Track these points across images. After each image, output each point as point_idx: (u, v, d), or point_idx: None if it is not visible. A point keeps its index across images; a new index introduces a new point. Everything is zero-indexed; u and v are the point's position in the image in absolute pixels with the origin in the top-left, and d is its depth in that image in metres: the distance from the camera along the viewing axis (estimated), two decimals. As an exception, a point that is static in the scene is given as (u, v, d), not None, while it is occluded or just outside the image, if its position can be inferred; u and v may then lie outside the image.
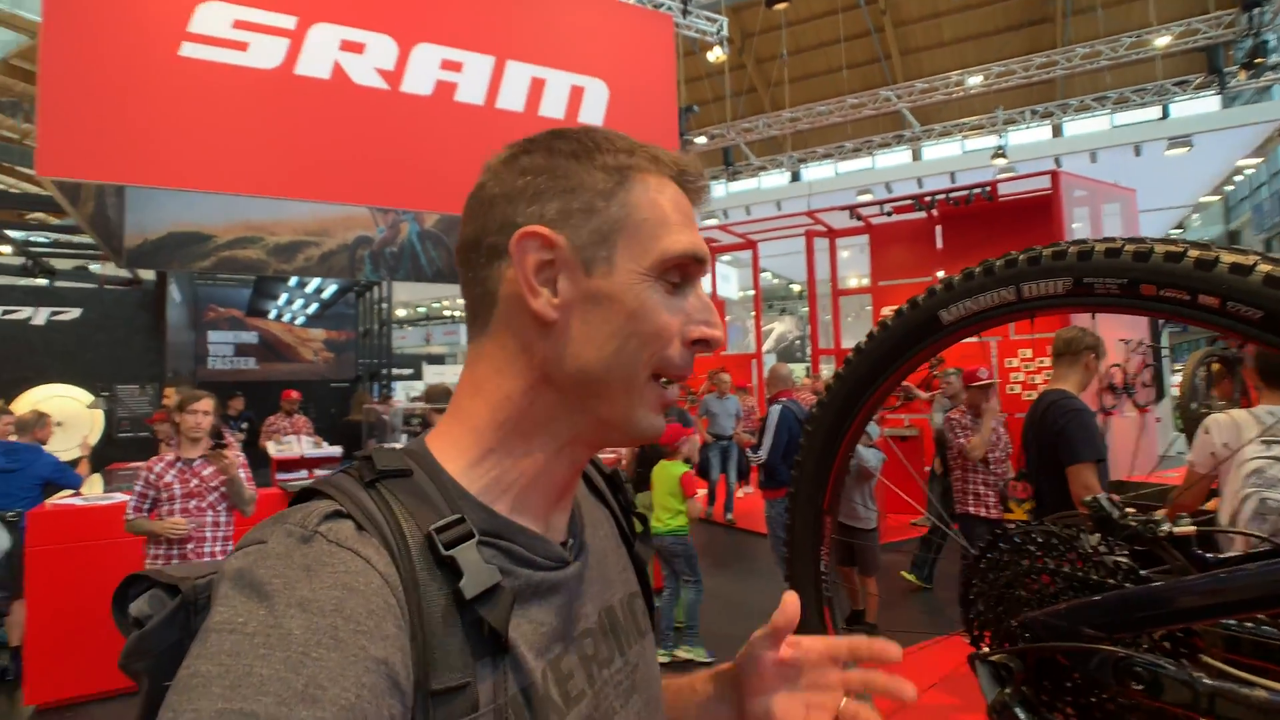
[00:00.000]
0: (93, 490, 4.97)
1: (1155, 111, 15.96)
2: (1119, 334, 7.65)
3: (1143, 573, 0.87)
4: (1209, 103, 15.26)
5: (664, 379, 0.57)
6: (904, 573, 5.76)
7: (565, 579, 0.57)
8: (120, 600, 0.56)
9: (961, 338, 1.20)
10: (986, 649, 0.97)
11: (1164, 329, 10.38)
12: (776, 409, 4.92)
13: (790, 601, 0.68)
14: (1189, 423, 6.59)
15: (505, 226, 0.55)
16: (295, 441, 7.27)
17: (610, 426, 0.57)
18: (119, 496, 4.40)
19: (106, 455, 7.05)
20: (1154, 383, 8.46)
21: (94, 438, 7.58)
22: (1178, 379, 7.81)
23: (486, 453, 0.56)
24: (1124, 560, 0.88)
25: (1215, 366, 6.28)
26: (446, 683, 0.45)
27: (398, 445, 0.57)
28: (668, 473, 4.55)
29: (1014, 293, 1.10)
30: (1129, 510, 0.91)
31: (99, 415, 8.28)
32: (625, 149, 0.57)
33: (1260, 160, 16.32)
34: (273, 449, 7.02)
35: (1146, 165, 14.02)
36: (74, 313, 9.19)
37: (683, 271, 0.57)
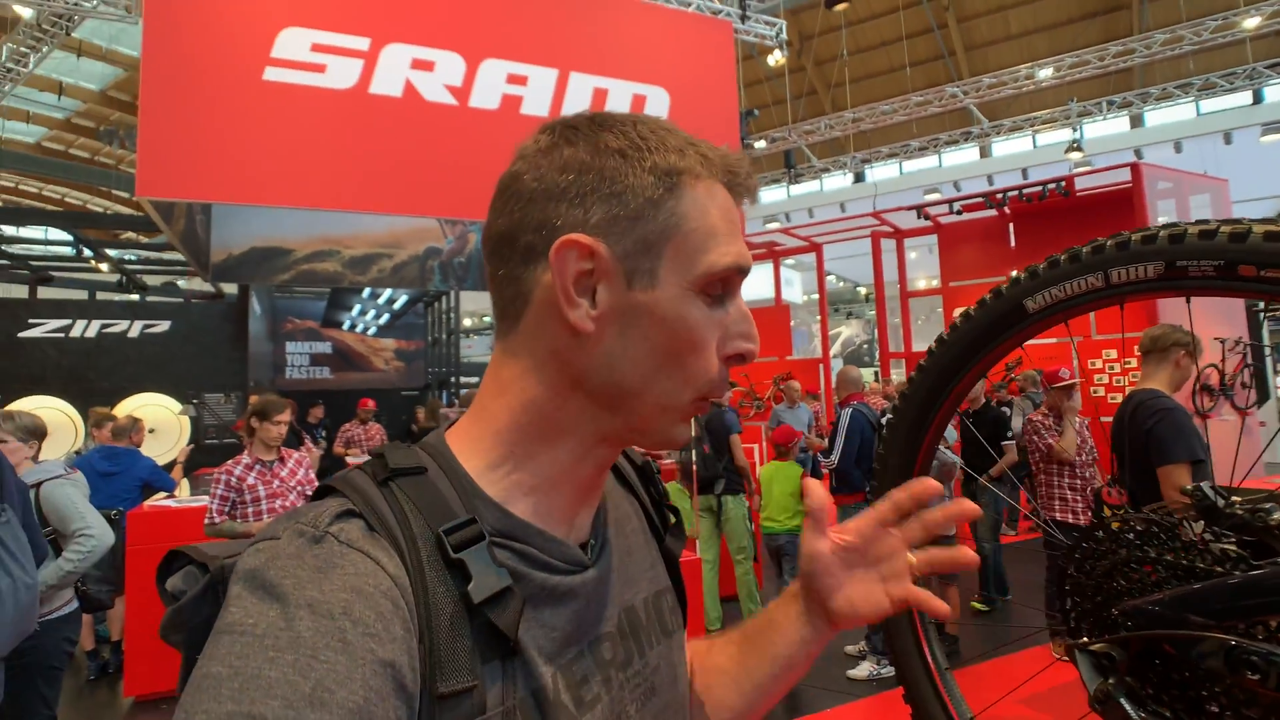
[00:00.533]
0: (181, 494, 5.24)
1: (1246, 97, 15.09)
2: (1213, 331, 7.24)
3: (1253, 562, 0.83)
4: (1307, 84, 14.40)
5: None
6: (974, 602, 5.56)
7: (582, 584, 0.55)
8: (164, 574, 0.58)
9: (1047, 327, 1.17)
10: (1085, 640, 0.94)
11: (1264, 322, 9.75)
12: (847, 413, 4.83)
13: (811, 486, 0.68)
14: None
15: (543, 227, 0.52)
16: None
17: (640, 433, 0.56)
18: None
19: (194, 461, 7.41)
20: (1254, 383, 7.96)
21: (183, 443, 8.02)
22: None
23: (507, 455, 0.54)
24: (1232, 548, 0.84)
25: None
26: (453, 685, 0.45)
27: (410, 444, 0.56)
28: (786, 473, 4.73)
29: (1102, 279, 1.07)
30: (1234, 499, 0.87)
31: (186, 422, 8.72)
32: (675, 147, 0.54)
33: (1365, 144, 15.25)
34: (351, 458, 7.41)
35: (1239, 153, 13.33)
36: (164, 325, 9.73)
37: (726, 284, 0.55)
